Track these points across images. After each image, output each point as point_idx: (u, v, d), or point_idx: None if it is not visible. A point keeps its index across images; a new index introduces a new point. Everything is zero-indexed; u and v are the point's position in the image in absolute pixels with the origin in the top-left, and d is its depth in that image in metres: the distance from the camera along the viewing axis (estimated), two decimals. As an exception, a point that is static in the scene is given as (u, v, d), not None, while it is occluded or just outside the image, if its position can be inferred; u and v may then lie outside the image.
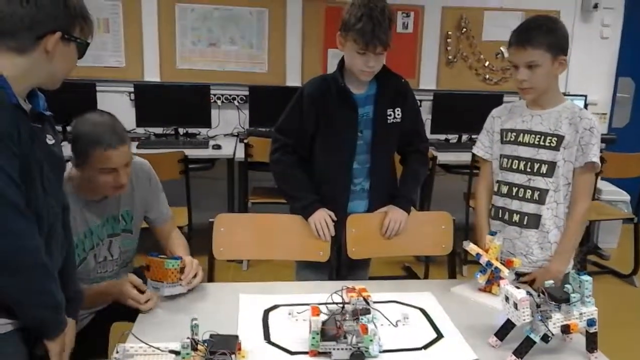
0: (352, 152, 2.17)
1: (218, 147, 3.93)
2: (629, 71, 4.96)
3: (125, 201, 1.95)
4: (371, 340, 1.44)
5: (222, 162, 3.96)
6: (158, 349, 1.38)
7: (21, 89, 1.28)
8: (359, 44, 1.99)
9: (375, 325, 1.45)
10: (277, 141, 2.22)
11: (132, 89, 4.20)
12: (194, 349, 1.33)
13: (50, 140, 1.37)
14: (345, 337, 1.43)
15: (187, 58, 4.44)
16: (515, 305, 1.43)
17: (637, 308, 3.58)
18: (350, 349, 1.43)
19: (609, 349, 1.53)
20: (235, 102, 4.48)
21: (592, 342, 1.48)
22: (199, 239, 2.18)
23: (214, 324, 1.44)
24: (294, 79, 4.49)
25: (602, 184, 4.34)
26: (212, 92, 4.30)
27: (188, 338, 1.34)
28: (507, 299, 1.47)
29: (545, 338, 1.41)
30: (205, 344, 1.35)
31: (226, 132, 4.41)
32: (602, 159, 1.85)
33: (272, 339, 1.53)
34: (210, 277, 2.08)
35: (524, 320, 1.42)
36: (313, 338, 1.42)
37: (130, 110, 4.18)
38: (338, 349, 1.43)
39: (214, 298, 1.78)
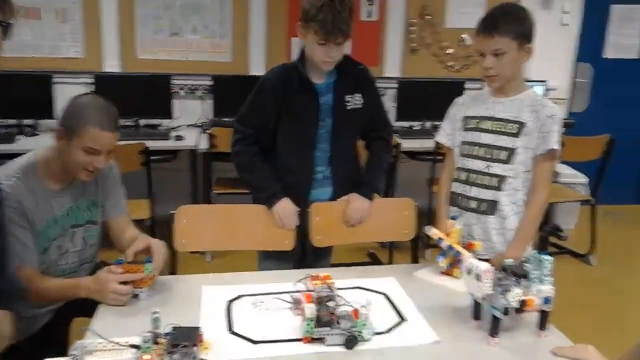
0: (314, 141, 2.17)
1: (180, 138, 3.88)
2: (588, 57, 5.07)
3: (90, 191, 1.91)
4: (364, 325, 1.46)
5: (185, 154, 3.92)
6: (118, 344, 1.35)
7: None
8: (320, 35, 1.98)
9: (366, 309, 1.47)
10: (238, 132, 2.20)
11: (91, 80, 4.10)
12: (155, 342, 1.32)
13: None
14: (338, 323, 1.45)
15: (148, 48, 4.35)
16: (478, 277, 1.45)
17: (592, 286, 3.70)
18: (344, 333, 1.44)
19: (566, 326, 1.57)
20: (199, 92, 4.42)
21: (544, 321, 1.52)
22: (162, 231, 2.15)
23: (176, 317, 1.42)
24: (258, 68, 4.45)
25: (561, 167, 4.44)
26: (174, 82, 4.24)
27: (149, 332, 1.32)
28: (469, 272, 1.49)
29: (505, 311, 1.44)
30: (167, 337, 1.33)
31: (189, 122, 4.35)
32: (562, 144, 1.88)
33: (235, 329, 1.52)
34: (172, 270, 2.06)
35: (485, 291, 1.44)
36: (308, 325, 1.43)
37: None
38: (332, 334, 1.44)
39: (176, 291, 1.76)
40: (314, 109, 2.14)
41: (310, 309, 1.44)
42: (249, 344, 1.46)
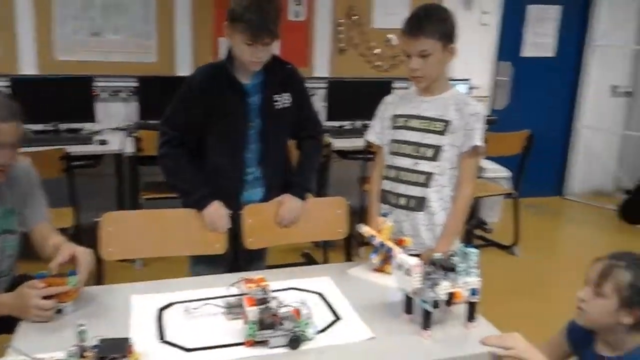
0: (243, 142, 2.14)
1: (104, 142, 3.73)
2: (508, 56, 5.29)
3: (4, 198, 1.80)
4: (307, 324, 1.45)
5: (110, 158, 3.76)
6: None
7: None
8: (247, 36, 1.96)
9: (309, 308, 1.47)
10: (164, 134, 2.14)
11: (7, 83, 3.86)
12: (82, 356, 1.27)
13: None
14: (281, 324, 1.44)
15: (67, 49, 4.15)
16: (408, 272, 1.48)
17: (518, 276, 3.86)
18: (288, 334, 1.43)
19: (493, 316, 1.62)
20: (122, 94, 4.27)
21: (472, 312, 1.57)
22: (88, 240, 2.06)
23: (103, 329, 1.38)
24: (184, 69, 4.34)
25: (485, 162, 4.61)
26: (96, 84, 4.07)
27: (74, 345, 1.27)
28: (400, 267, 1.52)
29: (435, 304, 1.48)
30: (94, 350, 1.28)
31: (113, 126, 4.19)
32: (485, 140, 1.95)
33: (167, 338, 1.48)
34: (99, 280, 1.98)
35: (415, 285, 1.47)
36: (250, 328, 1.41)
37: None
38: (275, 336, 1.43)
39: (104, 301, 1.69)
40: (242, 109, 2.11)
41: (253, 312, 1.42)
42: (182, 352, 1.42)
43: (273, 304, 1.46)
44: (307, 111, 2.30)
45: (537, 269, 4.00)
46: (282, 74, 2.17)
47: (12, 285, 1.66)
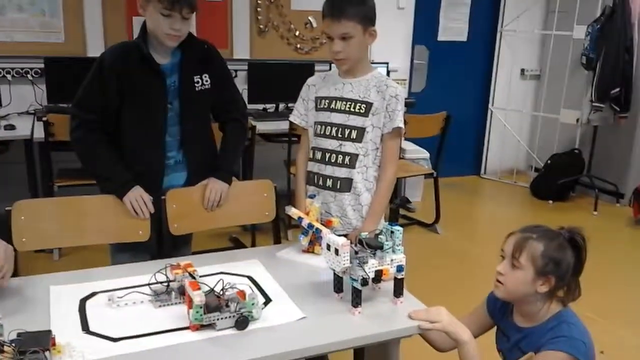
0: (162, 125, 2.08)
1: (11, 127, 3.50)
2: (423, 39, 5.44)
3: None
4: (253, 304, 1.45)
5: (19, 144, 3.54)
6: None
7: None
8: (164, 3, 1.89)
9: (252, 289, 1.46)
10: (77, 117, 2.03)
11: None
12: (0, 351, 1.19)
13: None
14: (227, 306, 1.42)
15: (-35, 28, 3.86)
16: (336, 252, 1.50)
17: (440, 252, 4.02)
18: (234, 316, 1.43)
19: (418, 291, 1.68)
20: (29, 76, 4.02)
21: (399, 288, 1.61)
22: (-1, 231, 1.94)
23: (22, 321, 1.31)
24: (95, 49, 4.13)
25: (405, 144, 4.74)
26: (0, 66, 3.80)
27: (-10, 341, 1.19)
28: (328, 247, 1.53)
29: (364, 282, 1.50)
30: (13, 344, 1.21)
31: (20, 110, 3.95)
32: (404, 122, 1.99)
33: (92, 329, 1.42)
34: (15, 272, 1.86)
35: (344, 264, 1.49)
36: (197, 312, 1.39)
37: None
38: (222, 318, 1.42)
39: (20, 293, 1.60)
40: (159, 90, 2.04)
41: (199, 296, 1.39)
42: (109, 342, 1.37)
43: (217, 287, 1.46)
44: (229, 93, 2.25)
45: (458, 245, 4.17)
46: (200, 54, 2.11)
47: None
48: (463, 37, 5.61)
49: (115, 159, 2.05)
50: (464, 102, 5.68)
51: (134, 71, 2.00)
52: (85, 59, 4.00)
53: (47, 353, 1.22)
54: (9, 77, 3.96)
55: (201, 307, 1.40)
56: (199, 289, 1.41)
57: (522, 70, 5.87)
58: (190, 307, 1.42)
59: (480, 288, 1.77)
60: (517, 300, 1.59)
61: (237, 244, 3.79)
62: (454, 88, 5.60)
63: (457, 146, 5.17)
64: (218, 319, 1.42)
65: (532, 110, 5.91)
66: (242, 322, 1.44)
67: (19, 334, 1.25)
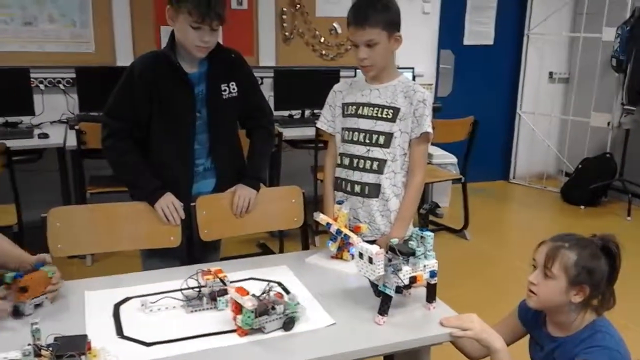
0: (191, 133, 2.10)
1: (45, 135, 3.58)
2: (449, 44, 5.41)
3: None
4: (296, 304, 1.48)
5: (52, 152, 3.63)
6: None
7: None
8: (194, 17, 1.91)
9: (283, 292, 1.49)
10: (108, 126, 2.07)
11: None
12: (38, 355, 1.22)
13: None
14: (274, 308, 1.45)
15: (-1, 39, 3.97)
16: (370, 260, 1.49)
17: (470, 259, 3.98)
18: (281, 317, 1.46)
19: (448, 298, 1.66)
20: (61, 86, 4.12)
21: (431, 293, 1.60)
22: (33, 238, 1.98)
23: (58, 326, 1.33)
24: (125, 59, 4.21)
25: (432, 149, 4.71)
26: (32, 76, 3.90)
27: (29, 344, 1.22)
28: (361, 255, 1.53)
29: (398, 290, 1.49)
30: (50, 349, 1.23)
31: (53, 119, 4.04)
32: (432, 127, 1.99)
33: (126, 333, 1.45)
34: (49, 277, 1.91)
35: (378, 273, 1.49)
36: (248, 317, 1.41)
37: None
38: (271, 321, 1.44)
39: (57, 298, 1.62)
40: (188, 99, 2.07)
41: (251, 301, 1.41)
42: (142, 347, 1.39)
43: (260, 292, 1.48)
44: (256, 100, 2.27)
45: (487, 251, 4.13)
46: (227, 62, 2.13)
47: None
48: (489, 41, 5.56)
49: (146, 167, 2.08)
50: (491, 106, 5.62)
51: (163, 80, 2.03)
52: (115, 68, 4.09)
53: (83, 357, 1.24)
54: (41, 86, 4.06)
55: (252, 312, 1.41)
56: (248, 294, 1.42)
57: (550, 74, 5.80)
58: (237, 312, 1.43)
59: (511, 295, 1.75)
60: (551, 309, 1.56)
61: (265, 250, 3.81)
62: (480, 92, 5.56)
63: (484, 151, 5.12)
64: (267, 322, 1.44)
65: (561, 114, 5.82)
66: (289, 323, 1.47)
67: (55, 338, 1.27)
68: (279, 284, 1.76)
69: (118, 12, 4.21)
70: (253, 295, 1.44)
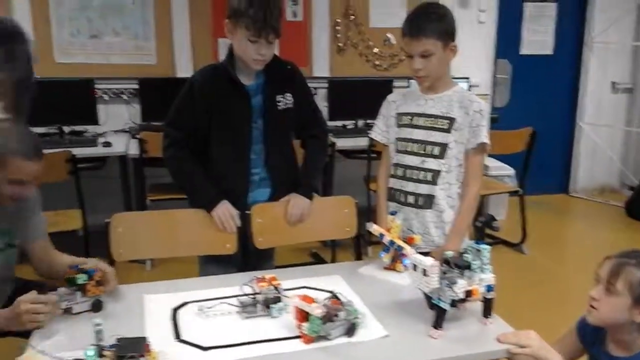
0: (247, 143, 2.15)
1: (108, 144, 3.73)
2: (506, 53, 5.30)
3: (4, 214, 1.79)
4: (356, 310, 1.50)
5: (114, 160, 3.77)
6: (61, 359, 1.29)
7: None
8: (251, 31, 1.95)
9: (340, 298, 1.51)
10: (169, 136, 2.14)
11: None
12: (100, 355, 1.27)
13: None
14: (336, 315, 1.47)
15: (66, 51, 4.16)
16: (424, 272, 1.48)
17: (527, 273, 3.86)
18: (344, 323, 1.48)
19: (504, 313, 1.63)
20: (124, 96, 4.28)
21: (488, 308, 1.57)
22: (96, 242, 2.07)
23: (119, 327, 1.38)
24: (184, 70, 4.34)
25: (489, 161, 4.61)
26: (97, 86, 4.07)
27: (92, 345, 1.27)
28: (415, 267, 1.52)
29: (453, 303, 1.48)
30: (112, 349, 1.28)
31: (116, 128, 4.20)
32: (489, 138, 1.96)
33: (183, 337, 1.49)
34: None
35: (433, 285, 1.47)
36: (317, 325, 1.43)
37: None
38: (335, 328, 1.47)
39: (117, 301, 1.69)
40: (245, 111, 2.11)
41: (319, 308, 1.43)
42: (199, 350, 1.42)
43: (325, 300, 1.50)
44: (310, 110, 2.29)
45: (545, 266, 4.00)
46: (283, 74, 2.17)
47: (15, 292, 1.67)
48: (548, 51, 5.42)
49: (204, 175, 2.14)
50: (550, 117, 5.46)
51: (222, 93, 2.08)
52: (175, 80, 4.22)
53: (142, 359, 1.28)
54: (105, 97, 4.22)
55: (320, 319, 1.43)
56: (313, 301, 1.44)
57: (613, 84, 5.58)
58: (301, 320, 1.45)
59: (570, 312, 1.70)
60: (611, 327, 1.50)
61: (318, 259, 3.83)
62: (539, 103, 5.41)
63: (543, 163, 4.98)
64: (332, 329, 1.46)
65: (625, 125, 5.60)
66: (352, 330, 1.49)
67: (117, 339, 1.32)
68: (332, 293, 1.76)
69: (178, 26, 4.34)
70: (322, 303, 1.46)
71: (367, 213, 3.29)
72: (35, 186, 1.77)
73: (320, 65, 4.74)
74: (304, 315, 1.45)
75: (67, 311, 1.58)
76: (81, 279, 1.60)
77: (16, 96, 1.32)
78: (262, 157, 2.19)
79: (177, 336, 1.49)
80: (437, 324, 1.51)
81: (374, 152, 3.76)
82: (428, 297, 1.57)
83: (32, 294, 1.54)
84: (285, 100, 2.17)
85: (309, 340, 1.45)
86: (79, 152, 3.36)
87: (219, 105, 2.09)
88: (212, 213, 2.10)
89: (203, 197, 2.13)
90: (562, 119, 5.64)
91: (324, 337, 1.46)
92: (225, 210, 2.10)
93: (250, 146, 2.16)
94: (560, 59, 5.46)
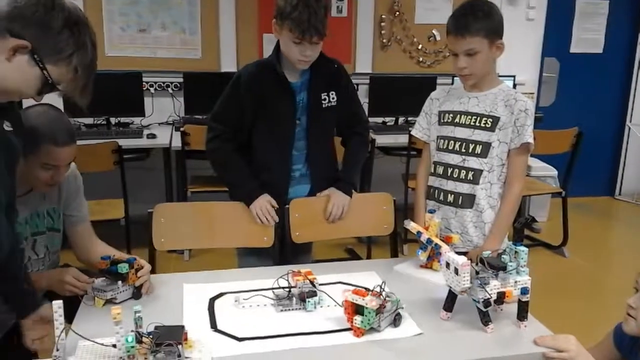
0: (290, 139, 2.17)
1: (153, 136, 3.82)
2: (554, 51, 5.17)
3: (51, 198, 1.86)
4: (398, 300, 1.53)
5: (158, 152, 3.86)
6: (102, 344, 1.33)
7: None
8: (295, 34, 1.97)
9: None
10: (213, 129, 2.18)
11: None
12: (139, 341, 1.30)
13: (8, 127, 1.35)
14: (384, 306, 1.49)
15: (116, 45, 4.28)
16: (456, 271, 1.47)
17: (567, 277, 3.78)
18: (391, 314, 1.51)
19: (542, 317, 1.60)
20: (169, 90, 4.37)
21: (523, 311, 1.54)
22: (137, 231, 2.12)
23: (158, 315, 1.41)
24: (229, 65, 4.41)
25: (532, 161, 4.52)
26: (144, 79, 4.17)
27: (132, 331, 1.30)
28: (448, 265, 1.51)
29: (486, 303, 1.46)
30: (150, 336, 1.32)
31: (161, 120, 4.30)
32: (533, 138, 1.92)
33: (219, 327, 1.52)
34: (152, 269, 2.03)
35: (464, 285, 1.46)
36: (372, 317, 1.45)
37: (57, 100, 3.96)
38: (384, 319, 1.49)
39: (157, 289, 1.74)
40: (290, 107, 2.13)
41: (374, 301, 1.45)
42: (234, 341, 1.45)
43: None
44: (354, 108, 2.30)
45: (586, 270, 3.91)
46: (328, 72, 2.18)
47: None
48: (598, 49, 5.26)
49: (245, 169, 2.17)
50: (598, 117, 5.30)
51: (268, 88, 2.11)
52: (220, 74, 4.29)
53: (179, 347, 1.31)
54: (152, 90, 4.33)
55: (374, 311, 1.45)
56: (367, 294, 1.46)
57: (666, 85, 5.39)
58: (352, 314, 1.47)
59: (610, 318, 1.65)
60: (650, 337, 1.46)
61: (353, 255, 3.83)
62: (586, 102, 5.26)
63: (588, 164, 4.84)
64: (382, 321, 1.48)
65: (678, 128, 5.39)
66: (398, 319, 1.52)
67: (156, 327, 1.35)
68: (367, 289, 1.76)
69: (224, 21, 4.41)
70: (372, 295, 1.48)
71: (405, 210, 3.29)
72: (68, 169, 1.80)
73: (363, 61, 4.73)
74: (354, 310, 1.47)
75: (111, 301, 1.62)
76: (124, 268, 1.65)
77: (86, 82, 1.37)
78: (303, 153, 2.21)
79: (213, 326, 1.52)
80: (485, 321, 1.51)
81: (413, 150, 3.73)
82: (449, 297, 1.57)
83: (76, 271, 1.68)
84: (330, 99, 2.19)
85: (360, 332, 1.46)
86: (124, 143, 3.46)
87: (264, 101, 2.12)
88: (250, 207, 2.13)
89: (243, 189, 2.16)
90: (610, 120, 5.47)
91: (374, 329, 1.48)
92: (264, 204, 2.13)
93: (293, 142, 2.18)
94: (610, 58, 5.29)
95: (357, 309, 1.47)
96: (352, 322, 1.47)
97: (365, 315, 1.44)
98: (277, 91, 2.11)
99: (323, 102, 2.17)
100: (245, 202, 2.15)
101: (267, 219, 2.13)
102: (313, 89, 2.15)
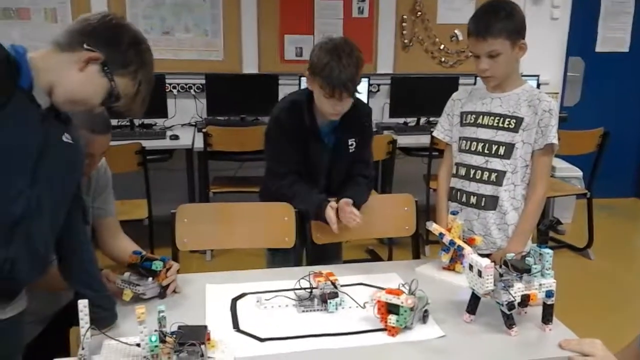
0: (317, 175, 2.20)
1: (176, 137, 3.86)
2: (579, 51, 5.10)
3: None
4: (424, 297, 1.54)
5: (180, 153, 3.90)
6: (126, 343, 1.35)
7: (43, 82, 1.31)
8: (325, 90, 1.97)
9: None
10: (273, 171, 2.21)
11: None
12: (162, 341, 1.31)
13: (67, 139, 1.39)
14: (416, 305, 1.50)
15: (140, 47, 4.33)
16: (479, 273, 1.46)
17: (592, 280, 3.72)
18: (421, 311, 1.53)
19: (566, 319, 1.58)
20: (192, 91, 4.41)
21: (548, 314, 1.52)
22: (160, 232, 2.14)
23: (181, 315, 1.43)
24: (250, 66, 4.43)
25: (556, 161, 4.46)
26: (167, 81, 4.22)
27: (156, 330, 1.32)
28: (471, 267, 1.50)
29: (510, 306, 1.45)
30: (174, 336, 1.33)
31: (183, 121, 4.34)
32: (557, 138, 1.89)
33: (241, 327, 1.52)
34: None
35: (487, 287, 1.45)
36: (408, 316, 1.46)
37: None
38: (415, 316, 1.51)
39: (180, 289, 1.75)
40: (318, 150, 2.16)
41: (410, 299, 1.46)
42: (256, 341, 1.46)
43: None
44: (366, 153, 2.30)
45: (612, 273, 3.84)
46: (357, 118, 2.18)
47: None
48: (624, 48, 5.17)
49: (307, 189, 2.16)
50: (624, 117, 5.21)
51: (300, 133, 2.13)
52: (241, 76, 4.32)
53: (202, 347, 1.32)
54: (174, 91, 4.37)
55: (409, 310, 1.45)
56: (402, 293, 1.46)
57: (694, 85, 5.27)
58: (385, 313, 1.48)
59: (637, 322, 1.62)
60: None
61: (374, 256, 3.82)
62: (612, 102, 5.17)
63: (614, 165, 4.75)
64: (413, 318, 1.49)
65: None
66: (426, 316, 1.54)
67: (179, 327, 1.36)
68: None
69: (246, 23, 4.43)
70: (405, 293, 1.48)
71: (426, 212, 3.27)
72: (101, 159, 1.83)
73: (384, 61, 4.71)
74: (386, 310, 1.47)
75: (138, 296, 1.64)
76: (159, 265, 1.67)
77: (145, 96, 1.45)
78: (323, 190, 2.21)
79: (236, 326, 1.53)
80: (509, 324, 1.50)
81: (435, 150, 3.71)
82: (472, 299, 1.56)
83: (106, 270, 1.69)
84: (355, 144, 2.21)
85: (395, 332, 1.47)
86: (148, 144, 3.49)
87: (297, 143, 2.14)
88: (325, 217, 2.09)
89: (313, 208, 2.13)
90: (636, 119, 5.37)
91: (407, 327, 1.49)
92: (329, 212, 2.08)
93: (320, 177, 2.21)
94: (637, 57, 5.20)
95: (390, 309, 1.47)
96: (385, 322, 1.48)
97: (401, 314, 1.45)
98: (307, 135, 2.14)
99: (350, 147, 2.20)
100: (316, 215, 2.13)
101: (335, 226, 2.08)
102: (341, 134, 2.18)
